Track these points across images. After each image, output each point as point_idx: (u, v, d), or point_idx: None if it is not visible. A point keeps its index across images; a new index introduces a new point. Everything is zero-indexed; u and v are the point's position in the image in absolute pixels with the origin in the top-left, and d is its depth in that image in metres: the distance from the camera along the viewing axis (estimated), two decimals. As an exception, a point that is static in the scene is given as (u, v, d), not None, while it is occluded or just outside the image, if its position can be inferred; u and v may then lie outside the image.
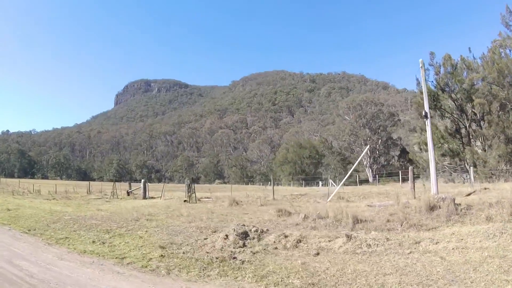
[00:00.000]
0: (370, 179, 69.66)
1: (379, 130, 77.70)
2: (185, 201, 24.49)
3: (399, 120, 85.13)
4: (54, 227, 13.58)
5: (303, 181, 68.54)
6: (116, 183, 37.08)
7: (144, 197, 29.72)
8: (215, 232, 11.77)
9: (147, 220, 15.05)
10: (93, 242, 11.09)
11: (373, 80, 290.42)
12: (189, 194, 25.69)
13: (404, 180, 40.40)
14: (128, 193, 33.22)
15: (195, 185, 28.08)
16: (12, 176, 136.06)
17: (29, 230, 13.06)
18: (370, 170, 75.06)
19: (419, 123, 41.72)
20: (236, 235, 10.85)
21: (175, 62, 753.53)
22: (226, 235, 10.84)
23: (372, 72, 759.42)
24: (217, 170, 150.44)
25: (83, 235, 12.15)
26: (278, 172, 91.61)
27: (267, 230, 11.83)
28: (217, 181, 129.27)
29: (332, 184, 56.45)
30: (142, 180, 32.63)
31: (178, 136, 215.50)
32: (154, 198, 29.93)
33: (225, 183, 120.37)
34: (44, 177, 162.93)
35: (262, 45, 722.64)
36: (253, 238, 11.00)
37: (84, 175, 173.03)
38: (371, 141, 76.13)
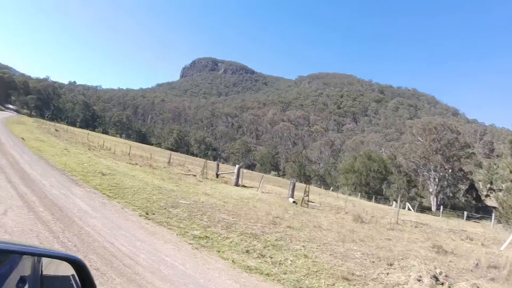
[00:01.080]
0: (433, 208, 65.42)
1: (452, 159, 71.94)
2: (294, 202, 22.76)
3: (474, 153, 79.25)
4: (178, 216, 11.65)
5: (366, 195, 66.67)
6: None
7: (236, 184, 27.59)
8: (390, 265, 10.09)
9: (288, 227, 13.13)
10: (247, 252, 9.15)
11: (443, 104, 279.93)
12: (304, 196, 24.11)
13: (469, 218, 38.49)
14: (217, 175, 31.27)
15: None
16: (74, 125, 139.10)
17: (147, 214, 11.12)
18: (435, 199, 70.13)
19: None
20: (431, 277, 8.97)
21: (243, 47, 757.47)
22: (420, 277, 8.89)
23: (442, 94, 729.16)
24: (274, 162, 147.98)
25: (225, 236, 10.22)
26: (340, 180, 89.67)
27: (441, 273, 9.63)
28: (272, 172, 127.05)
29: (409, 207, 52.56)
30: (237, 166, 30.05)
31: (239, 120, 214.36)
32: (247, 187, 27.69)
33: (279, 176, 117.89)
34: (105, 132, 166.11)
35: (332, 46, 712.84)
36: (442, 283, 8.97)
37: (143, 138, 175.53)
38: (442, 169, 70.99)
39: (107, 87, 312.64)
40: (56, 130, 49.81)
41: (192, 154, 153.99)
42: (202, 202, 14.81)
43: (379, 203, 56.13)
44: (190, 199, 15.00)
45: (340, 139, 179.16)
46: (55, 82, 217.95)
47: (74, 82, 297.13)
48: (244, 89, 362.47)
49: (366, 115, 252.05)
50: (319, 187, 74.76)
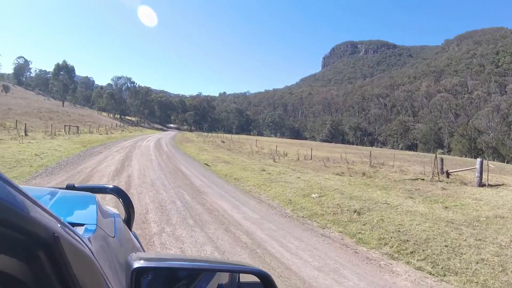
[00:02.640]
0: None
1: None
2: None
3: None
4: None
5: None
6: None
7: (480, 185, 18.26)
8: None
9: None
10: None
11: None
12: None
13: None
14: (447, 174, 21.46)
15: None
16: (230, 132, 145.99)
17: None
18: None
19: None
20: None
21: (381, 22, 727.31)
22: None
23: None
24: (438, 139, 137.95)
25: None
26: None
27: None
28: (439, 150, 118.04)
29: None
30: (478, 160, 19.49)
31: (392, 99, 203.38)
32: (485, 186, 17.98)
33: (444, 153, 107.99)
34: (260, 134, 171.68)
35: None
36: None
37: (296, 134, 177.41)
38: None
39: (254, 91, 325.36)
40: (223, 142, 50.09)
41: (348, 143, 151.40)
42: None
43: None
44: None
45: (506, 102, 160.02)
46: (207, 96, 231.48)
47: (224, 92, 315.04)
48: (389, 66, 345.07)
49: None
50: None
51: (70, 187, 2.17)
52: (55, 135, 32.88)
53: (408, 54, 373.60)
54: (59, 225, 0.82)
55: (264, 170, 18.00)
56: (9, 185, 0.64)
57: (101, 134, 45.79)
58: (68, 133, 38.83)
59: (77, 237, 0.96)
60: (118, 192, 2.32)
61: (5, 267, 0.69)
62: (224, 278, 1.82)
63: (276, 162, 24.21)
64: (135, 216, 2.38)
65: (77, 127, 46.54)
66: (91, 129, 50.84)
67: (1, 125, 35.86)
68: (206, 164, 20.20)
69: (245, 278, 1.76)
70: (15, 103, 70.85)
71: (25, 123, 34.36)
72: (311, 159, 29.02)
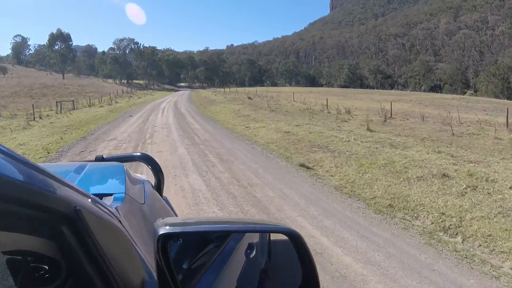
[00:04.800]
0: None
1: None
2: None
3: None
4: None
5: None
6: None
7: None
8: None
9: None
10: None
11: None
12: None
13: None
14: None
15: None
16: (243, 85, 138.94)
17: None
18: None
19: None
20: None
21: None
22: None
23: None
24: (464, 78, 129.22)
25: None
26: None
27: None
28: (468, 92, 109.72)
29: None
30: None
31: (410, 38, 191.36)
32: None
33: (472, 94, 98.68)
34: (274, 84, 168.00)
35: None
36: None
37: (312, 81, 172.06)
38: None
39: (262, 40, 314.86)
40: (250, 98, 42.34)
41: (367, 87, 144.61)
42: None
43: None
44: None
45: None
46: (215, 50, 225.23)
47: (232, 44, 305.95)
48: (401, 4, 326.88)
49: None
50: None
51: (99, 159, 2.26)
52: (40, 118, 25.43)
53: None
54: (82, 198, 0.84)
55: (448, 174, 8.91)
56: (28, 166, 0.66)
57: (102, 107, 37.14)
58: (60, 112, 30.99)
59: (102, 208, 0.99)
60: (147, 159, 2.35)
61: (33, 246, 0.73)
62: (254, 236, 1.84)
63: (374, 131, 16.65)
64: (164, 180, 2.38)
65: (72, 101, 38.44)
66: (91, 101, 42.93)
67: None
68: (304, 167, 9.78)
69: (275, 235, 1.75)
70: (4, 84, 64.48)
71: None
72: (391, 116, 22.32)
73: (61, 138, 15.34)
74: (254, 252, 1.73)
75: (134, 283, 1.00)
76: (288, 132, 15.11)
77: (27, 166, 0.66)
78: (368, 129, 16.26)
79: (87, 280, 0.83)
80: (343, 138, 13.60)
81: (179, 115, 25.97)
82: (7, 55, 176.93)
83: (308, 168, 9.58)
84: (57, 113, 30.50)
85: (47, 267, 0.85)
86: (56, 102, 36.63)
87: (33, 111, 26.54)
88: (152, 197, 1.89)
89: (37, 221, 0.68)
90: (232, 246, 1.61)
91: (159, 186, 2.26)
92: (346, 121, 20.24)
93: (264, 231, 1.70)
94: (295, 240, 1.29)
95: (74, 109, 34.94)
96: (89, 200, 0.90)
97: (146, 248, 1.22)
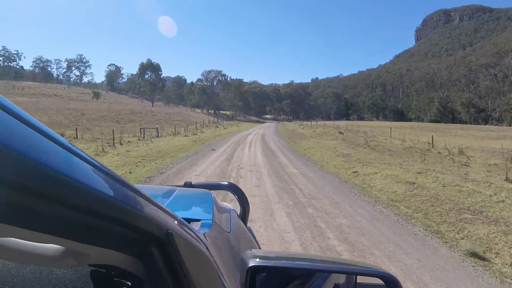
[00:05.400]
0: None
1: None
2: None
3: None
4: None
5: None
6: None
7: None
8: None
9: None
10: None
11: None
12: None
13: None
14: None
15: None
16: (328, 119, 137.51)
17: None
18: None
19: None
20: None
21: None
22: None
23: None
24: None
25: None
26: None
27: None
28: None
29: None
30: None
31: (502, 68, 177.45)
32: None
33: None
34: (360, 118, 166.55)
35: None
36: None
37: (400, 115, 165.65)
38: None
39: (347, 73, 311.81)
40: (341, 133, 39.42)
41: (460, 122, 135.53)
42: None
43: None
44: None
45: None
46: (300, 83, 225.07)
47: (317, 78, 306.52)
48: (488, 33, 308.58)
49: None
50: None
51: (188, 185, 2.39)
52: (120, 143, 23.97)
53: (506, 17, 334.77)
54: (173, 222, 0.85)
55: None
56: (123, 185, 0.68)
57: (186, 136, 34.97)
58: (143, 138, 29.54)
59: (192, 233, 0.99)
60: (234, 189, 2.42)
61: (120, 263, 0.73)
62: (341, 277, 1.73)
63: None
64: (249, 211, 2.41)
65: (157, 128, 37.11)
66: (176, 129, 41.49)
67: (62, 133, 28.07)
68: (476, 257, 5.83)
69: (363, 279, 1.61)
70: (93, 108, 66.12)
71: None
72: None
73: (130, 172, 12.80)
74: None
75: None
76: (413, 183, 10.90)
77: (123, 185, 0.68)
78: (508, 179, 12.04)
79: None
80: (490, 194, 9.55)
81: (269, 152, 22.24)
82: (102, 82, 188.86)
83: (480, 258, 5.79)
84: (139, 139, 29.02)
85: (130, 284, 0.87)
86: (140, 128, 35.60)
87: (113, 136, 25.05)
88: (238, 227, 1.92)
89: (128, 240, 0.70)
90: (317, 286, 1.54)
91: (244, 216, 2.30)
92: (467, 165, 16.15)
93: (358, 273, 1.53)
94: (391, 285, 1.22)
95: (158, 136, 33.43)
96: (180, 224, 0.90)
97: (229, 278, 1.18)
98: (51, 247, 0.67)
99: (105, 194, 0.59)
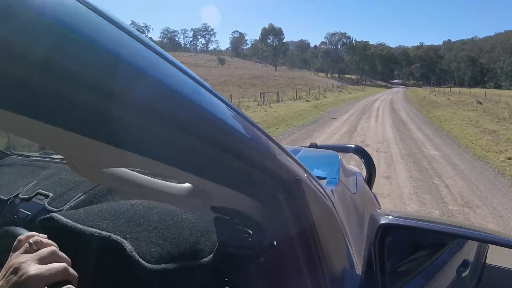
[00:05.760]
0: None
1: None
2: None
3: None
4: None
5: None
6: None
7: None
8: None
9: None
10: None
11: None
12: None
13: None
14: None
15: None
16: (462, 85, 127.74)
17: None
18: None
19: None
20: None
21: None
22: None
23: None
24: None
25: None
26: None
27: None
28: None
29: None
30: None
31: None
32: None
33: None
34: (497, 86, 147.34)
35: None
36: None
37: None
38: None
39: (483, 35, 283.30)
40: (479, 103, 33.81)
41: None
42: None
43: None
44: None
45: None
46: (431, 45, 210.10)
47: (449, 40, 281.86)
48: None
49: None
50: None
51: (314, 146, 2.43)
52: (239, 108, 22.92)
53: None
54: (302, 172, 0.83)
55: None
56: (255, 127, 0.67)
57: (307, 101, 33.61)
58: (262, 103, 29.02)
59: (319, 187, 0.98)
60: (361, 152, 2.40)
61: (244, 207, 0.73)
62: (471, 254, 1.58)
63: None
64: (375, 176, 2.39)
65: (277, 93, 36.25)
66: (298, 94, 40.07)
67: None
68: None
69: (493, 260, 1.50)
70: (215, 73, 67.61)
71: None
72: None
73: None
74: (467, 271, 1.52)
75: (335, 269, 0.94)
76: None
77: (254, 127, 0.67)
78: None
79: (291, 251, 0.81)
80: None
81: (400, 123, 18.93)
82: (227, 48, 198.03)
83: None
84: (259, 104, 28.37)
85: (251, 232, 0.87)
86: (260, 93, 34.96)
87: (231, 100, 24.34)
88: (363, 189, 1.92)
89: (257, 182, 0.68)
90: (444, 258, 1.47)
91: (369, 180, 2.29)
92: None
93: (493, 242, 1.32)
94: None
95: (278, 101, 32.63)
96: (308, 175, 0.89)
97: (354, 239, 1.19)
98: (181, 187, 0.69)
99: (239, 131, 0.58)
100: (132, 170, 0.65)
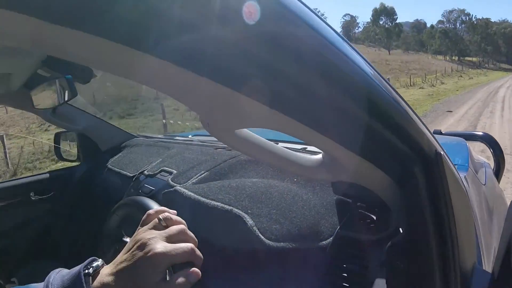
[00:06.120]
0: None
1: None
2: None
3: None
4: None
5: None
6: None
7: None
8: None
9: None
10: None
11: None
12: None
13: None
14: None
15: None
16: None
17: None
18: None
19: None
20: None
21: None
22: None
23: None
24: None
25: None
26: None
27: None
28: None
29: None
30: None
31: None
32: None
33: None
34: None
35: None
36: None
37: None
38: None
39: None
40: None
41: None
42: None
43: None
44: None
45: None
46: None
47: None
48: None
49: None
50: None
51: (437, 133, 2.26)
52: None
53: None
54: (439, 148, 0.75)
55: None
56: (395, 91, 0.62)
57: (421, 88, 31.35)
58: None
59: (455, 167, 0.91)
60: (489, 141, 2.27)
61: (376, 186, 0.69)
62: None
63: None
64: (504, 169, 2.27)
65: (388, 79, 32.72)
66: (412, 80, 37.25)
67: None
68: None
69: None
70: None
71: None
72: None
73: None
74: None
75: (465, 264, 0.86)
76: None
77: (400, 96, 0.62)
78: None
79: (421, 240, 0.72)
80: None
81: None
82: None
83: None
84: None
85: (374, 218, 0.85)
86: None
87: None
88: (492, 181, 1.83)
89: (397, 153, 0.63)
90: None
91: (497, 172, 2.17)
92: None
93: None
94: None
95: (391, 89, 30.54)
96: (445, 153, 0.77)
97: (484, 227, 1.15)
98: (310, 158, 0.68)
99: (384, 90, 0.54)
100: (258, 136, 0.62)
